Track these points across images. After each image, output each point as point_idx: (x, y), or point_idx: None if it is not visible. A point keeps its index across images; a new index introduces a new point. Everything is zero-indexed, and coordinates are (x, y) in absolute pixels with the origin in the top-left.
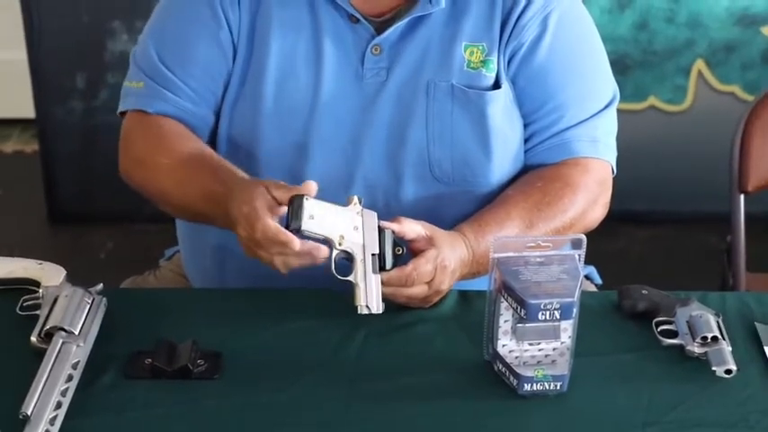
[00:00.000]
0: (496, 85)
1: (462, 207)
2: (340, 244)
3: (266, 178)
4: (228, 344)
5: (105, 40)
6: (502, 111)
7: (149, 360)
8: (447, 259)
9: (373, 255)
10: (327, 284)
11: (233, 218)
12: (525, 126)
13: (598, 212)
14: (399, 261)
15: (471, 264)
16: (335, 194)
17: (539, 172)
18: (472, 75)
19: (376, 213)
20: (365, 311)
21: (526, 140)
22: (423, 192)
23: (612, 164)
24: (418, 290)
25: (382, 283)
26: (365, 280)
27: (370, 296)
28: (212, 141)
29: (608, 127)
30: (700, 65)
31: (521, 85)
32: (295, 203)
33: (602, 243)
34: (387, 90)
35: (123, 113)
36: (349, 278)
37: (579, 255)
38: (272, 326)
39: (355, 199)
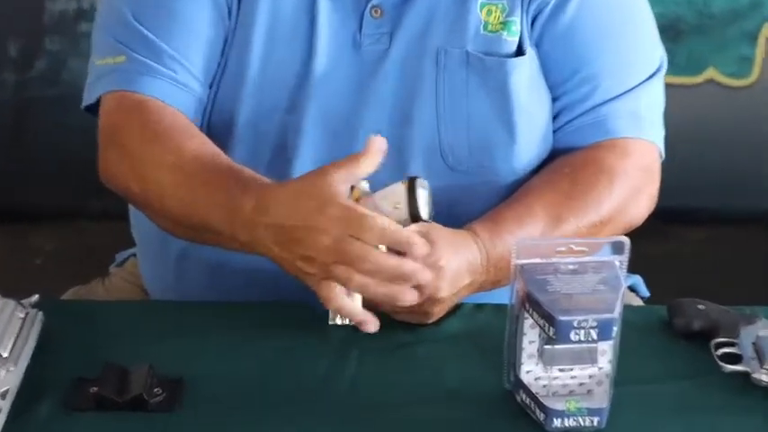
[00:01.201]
0: (520, 52)
1: (482, 201)
2: None
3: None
4: (192, 369)
5: (43, 0)
6: (527, 82)
7: (95, 388)
8: (443, 259)
9: None
10: (313, 297)
11: (279, 228)
12: (553, 101)
13: (642, 206)
14: None
15: (486, 269)
16: None
17: (568, 157)
18: (490, 39)
19: None
20: (345, 322)
21: (554, 118)
22: (434, 183)
23: (660, 146)
24: (407, 297)
25: None
26: None
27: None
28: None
29: (653, 100)
30: (767, 31)
31: (546, 50)
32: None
33: (649, 247)
34: (389, 60)
35: (91, 107)
36: None
37: (621, 261)
38: (245, 347)
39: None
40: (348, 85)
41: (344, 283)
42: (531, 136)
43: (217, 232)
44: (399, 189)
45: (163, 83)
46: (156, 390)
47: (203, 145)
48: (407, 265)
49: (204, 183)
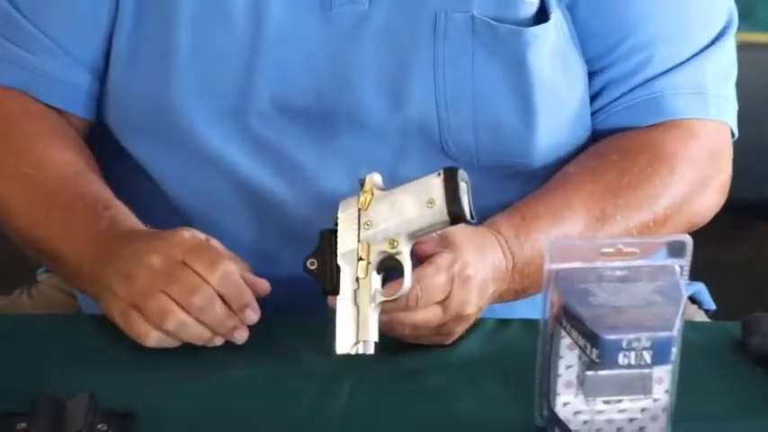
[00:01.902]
0: (542, 17)
1: (493, 201)
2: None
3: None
4: (145, 400)
5: None
6: (551, 54)
7: (23, 425)
8: (470, 266)
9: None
10: (298, 308)
11: (137, 248)
12: (593, 75)
13: (709, 201)
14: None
15: (511, 276)
16: (301, 187)
17: (617, 139)
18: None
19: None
20: (359, 350)
21: (595, 97)
22: None
23: (732, 124)
24: (428, 314)
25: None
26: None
27: (364, 328)
28: (99, 119)
29: (722, 68)
30: None
31: (584, 13)
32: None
33: (717, 248)
34: (370, 26)
35: None
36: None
37: (682, 265)
38: (210, 373)
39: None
40: (317, 59)
41: (159, 318)
42: (555, 122)
43: (64, 262)
44: (433, 182)
45: (22, 71)
46: (100, 426)
47: (71, 160)
48: (232, 320)
49: (63, 205)
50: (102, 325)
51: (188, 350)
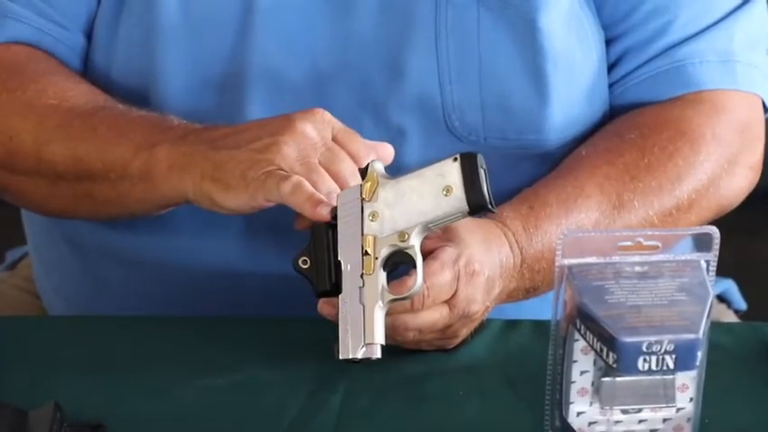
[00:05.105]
0: None
1: (502, 183)
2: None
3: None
4: (115, 410)
5: None
6: (564, 21)
7: None
8: (476, 261)
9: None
10: (282, 308)
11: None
12: (609, 43)
13: (739, 180)
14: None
15: (520, 274)
16: None
17: (634, 116)
18: None
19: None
20: (365, 355)
21: (611, 69)
22: (435, 157)
23: (763, 96)
24: (434, 315)
25: None
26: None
27: (370, 330)
28: None
29: (753, 33)
30: None
31: None
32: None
33: (748, 242)
34: None
35: None
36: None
37: (708, 261)
38: (186, 381)
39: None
40: (312, 26)
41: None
42: (571, 95)
43: (121, 163)
44: (449, 168)
45: (22, 26)
46: None
47: (95, 90)
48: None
49: (111, 117)
50: (68, 328)
51: (162, 356)
